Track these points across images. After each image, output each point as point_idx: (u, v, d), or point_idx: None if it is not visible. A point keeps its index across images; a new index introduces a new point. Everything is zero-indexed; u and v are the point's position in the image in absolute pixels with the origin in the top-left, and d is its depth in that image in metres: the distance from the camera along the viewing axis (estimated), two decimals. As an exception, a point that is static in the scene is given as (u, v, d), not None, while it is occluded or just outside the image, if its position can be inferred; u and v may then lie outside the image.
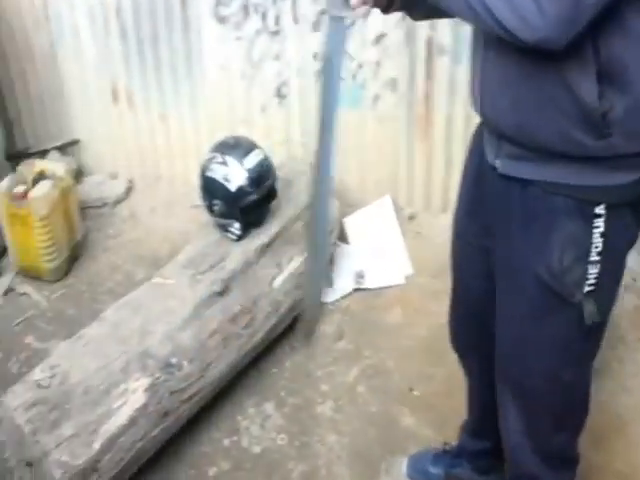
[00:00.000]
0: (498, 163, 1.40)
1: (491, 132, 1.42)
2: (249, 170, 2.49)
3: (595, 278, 1.34)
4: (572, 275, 1.34)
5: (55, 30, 3.37)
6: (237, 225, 2.52)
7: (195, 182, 2.70)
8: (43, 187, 2.95)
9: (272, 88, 3.09)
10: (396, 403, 2.39)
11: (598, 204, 1.30)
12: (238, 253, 2.51)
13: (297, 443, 2.28)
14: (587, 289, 1.36)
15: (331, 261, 2.88)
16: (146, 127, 3.44)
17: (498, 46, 1.27)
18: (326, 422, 2.34)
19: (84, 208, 3.40)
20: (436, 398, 2.38)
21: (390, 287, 2.86)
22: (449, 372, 2.30)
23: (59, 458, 1.87)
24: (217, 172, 2.51)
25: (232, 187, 2.49)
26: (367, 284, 2.86)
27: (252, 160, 2.50)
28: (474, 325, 1.73)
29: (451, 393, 2.29)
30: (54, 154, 3.58)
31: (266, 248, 2.57)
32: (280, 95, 3.09)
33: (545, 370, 1.50)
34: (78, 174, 3.60)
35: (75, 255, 3.18)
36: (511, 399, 1.59)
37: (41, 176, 3.02)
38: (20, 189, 2.92)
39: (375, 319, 2.73)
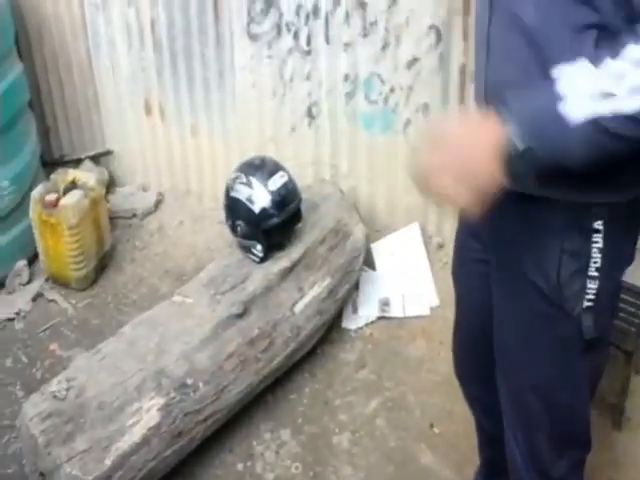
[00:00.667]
0: None
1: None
2: (273, 192, 2.47)
3: (594, 294, 1.34)
4: (571, 289, 1.33)
5: (92, 42, 3.41)
6: (259, 247, 2.51)
7: (222, 200, 2.70)
8: (74, 196, 2.99)
9: (302, 108, 3.08)
10: (416, 439, 2.35)
11: (597, 220, 1.29)
12: (260, 275, 2.49)
13: (311, 473, 2.26)
14: (586, 304, 1.35)
15: (356, 287, 2.85)
16: (177, 141, 3.46)
17: None
18: (342, 454, 2.32)
19: (113, 218, 3.45)
20: (457, 437, 2.34)
21: (415, 317, 2.82)
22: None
23: (70, 472, 1.89)
24: (241, 193, 2.50)
25: (255, 209, 2.48)
26: (392, 312, 2.82)
27: (276, 182, 2.49)
28: (476, 350, 1.72)
29: (472, 433, 2.20)
30: (87, 163, 3.61)
31: (288, 272, 2.54)
32: (310, 115, 3.07)
33: (541, 383, 1.48)
34: (109, 184, 3.65)
35: (102, 265, 3.22)
36: (512, 418, 1.57)
37: (73, 185, 3.07)
38: (52, 197, 2.97)
39: (398, 350, 2.69)
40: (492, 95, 1.30)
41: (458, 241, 1.71)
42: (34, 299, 3.06)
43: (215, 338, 2.27)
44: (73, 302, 3.05)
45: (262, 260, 2.53)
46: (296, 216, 2.59)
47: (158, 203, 3.60)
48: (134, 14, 3.24)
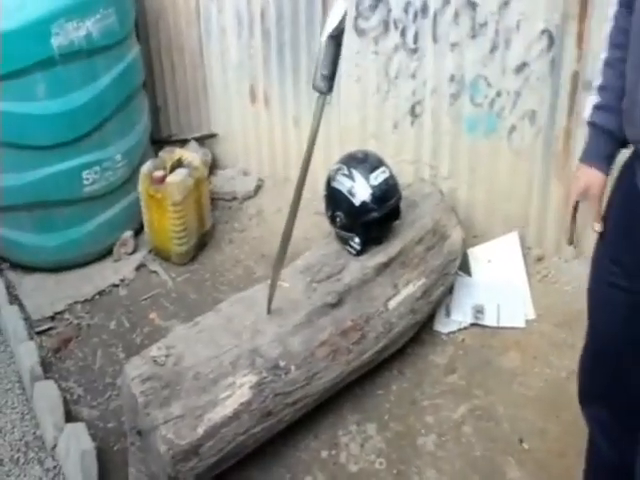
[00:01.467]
0: None
1: None
2: (374, 187, 2.51)
3: None
4: None
5: (204, 29, 3.54)
6: (357, 240, 2.55)
7: (321, 191, 2.76)
8: (179, 174, 3.14)
9: (406, 106, 3.09)
10: (503, 452, 2.30)
11: None
12: (356, 268, 2.53)
13: (395, 471, 2.27)
14: None
15: (450, 291, 2.85)
16: (280, 129, 3.55)
17: None
18: (427, 455, 2.32)
19: (215, 199, 3.59)
20: (547, 455, 2.28)
21: (509, 328, 2.77)
22: (564, 430, 2.25)
23: (165, 434, 1.99)
24: (343, 184, 2.55)
25: (356, 201, 2.52)
26: (485, 321, 2.79)
27: (378, 177, 2.52)
28: (608, 373, 1.70)
29: (564, 452, 2.19)
30: (193, 144, 3.75)
31: (384, 267, 2.57)
32: (413, 114, 3.09)
33: None
34: (213, 166, 3.78)
35: (202, 243, 3.36)
36: None
37: (179, 164, 3.22)
38: (159, 174, 3.13)
39: (490, 359, 2.66)
40: None
41: (597, 261, 1.71)
42: (137, 269, 3.26)
43: (309, 325, 2.33)
44: (173, 275, 3.21)
45: (359, 253, 2.57)
46: (395, 213, 2.62)
47: (258, 188, 3.71)
48: (245, 4, 3.34)
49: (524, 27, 2.67)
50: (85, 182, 3.07)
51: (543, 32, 2.64)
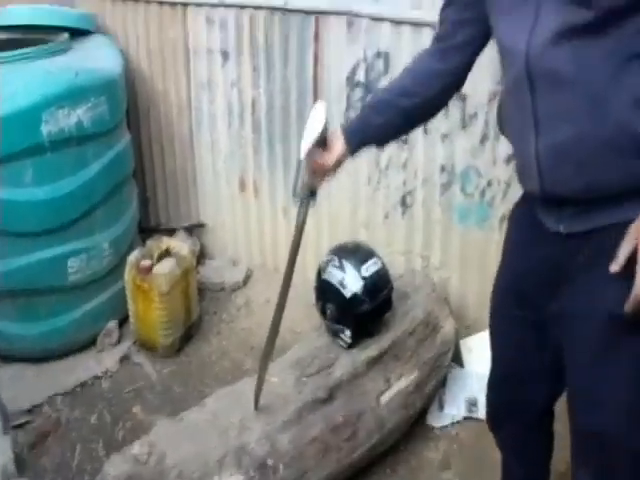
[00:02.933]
0: (562, 227, 1.51)
1: (549, 202, 1.51)
2: (365, 279, 2.47)
3: None
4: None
5: (195, 119, 3.56)
6: (348, 332, 2.49)
7: (311, 280, 2.71)
8: (167, 265, 3.10)
9: (397, 196, 3.09)
10: None
11: None
12: (347, 362, 2.46)
13: None
14: None
15: (443, 383, 2.78)
16: (269, 219, 3.53)
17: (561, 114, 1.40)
18: None
19: (202, 290, 3.54)
20: None
21: None
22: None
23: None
24: (334, 276, 2.50)
25: (347, 294, 2.47)
26: (479, 414, 2.69)
27: (370, 269, 2.48)
28: (511, 392, 1.86)
29: None
30: (181, 234, 3.72)
31: (376, 361, 2.50)
32: (404, 204, 3.08)
33: (624, 415, 1.50)
34: (201, 256, 3.74)
35: (189, 334, 3.28)
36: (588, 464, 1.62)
37: (166, 253, 3.18)
38: (146, 263, 3.07)
39: (485, 454, 2.53)
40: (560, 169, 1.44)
41: (497, 298, 1.84)
42: (121, 360, 3.15)
43: (298, 421, 2.24)
44: (158, 368, 3.11)
45: (350, 346, 2.50)
46: (387, 304, 2.57)
47: (247, 279, 3.67)
48: (236, 94, 3.38)
49: (513, 119, 2.69)
50: (70, 270, 3.01)
51: (532, 124, 2.65)
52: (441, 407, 2.74)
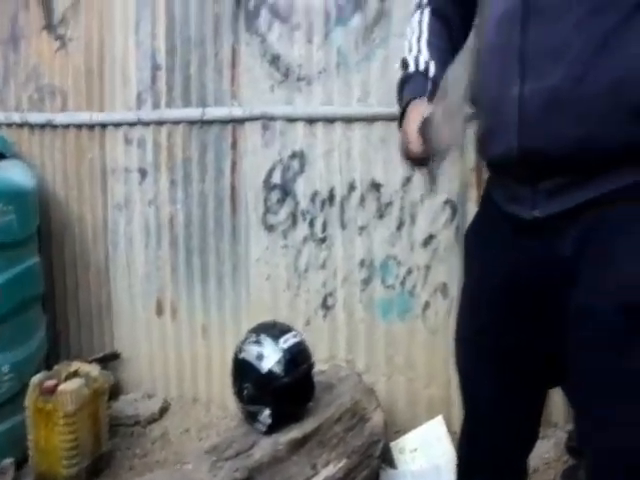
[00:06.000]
0: (538, 211, 1.27)
1: (523, 172, 1.29)
2: (284, 350, 2.34)
3: None
4: None
5: (111, 242, 3.47)
6: (267, 412, 2.29)
7: (232, 406, 2.60)
8: (74, 383, 2.85)
9: (318, 299, 3.00)
10: None
11: None
12: (268, 444, 2.25)
13: None
14: None
15: (376, 483, 2.56)
16: (187, 342, 3.35)
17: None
18: None
19: (115, 425, 3.24)
20: None
21: None
22: None
23: None
24: (250, 353, 2.37)
25: (264, 368, 2.32)
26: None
27: (288, 341, 2.37)
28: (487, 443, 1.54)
29: None
30: (94, 367, 3.48)
31: (300, 446, 2.29)
32: (325, 306, 2.99)
33: None
34: (115, 391, 3.47)
35: (97, 468, 2.95)
36: None
37: (75, 374, 2.94)
38: (51, 382, 2.82)
39: None
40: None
41: (463, 330, 1.57)
42: (14, 502, 2.78)
43: (213, 504, 1.98)
44: (58, 506, 2.75)
45: (270, 429, 2.30)
46: (307, 382, 2.41)
47: (163, 411, 3.40)
48: (153, 212, 3.34)
49: (427, 200, 2.72)
50: (-39, 392, 2.74)
51: (446, 202, 2.68)
52: (375, 510, 2.48)
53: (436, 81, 1.39)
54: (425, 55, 1.49)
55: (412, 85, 1.48)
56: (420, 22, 1.55)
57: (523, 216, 1.31)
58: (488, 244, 1.44)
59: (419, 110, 1.36)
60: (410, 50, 1.53)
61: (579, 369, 1.28)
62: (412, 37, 1.55)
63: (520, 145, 1.26)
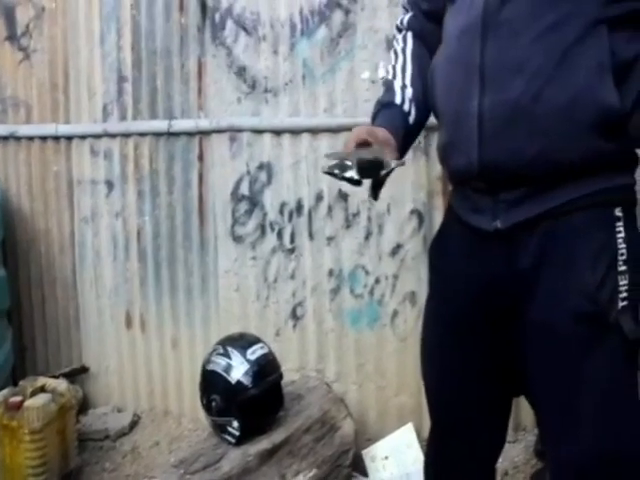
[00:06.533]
0: (500, 222, 1.30)
1: (484, 184, 1.31)
2: (251, 362, 2.35)
3: (626, 290, 1.21)
4: (605, 291, 1.20)
5: (78, 255, 3.43)
6: (236, 424, 2.29)
7: (203, 419, 2.56)
8: (40, 399, 2.80)
9: (287, 309, 3.00)
10: None
11: (616, 206, 1.23)
12: (236, 455, 2.24)
13: None
14: (621, 304, 1.21)
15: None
16: (157, 355, 3.33)
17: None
18: None
19: (84, 440, 3.20)
20: None
21: None
22: None
23: None
24: (218, 365, 2.37)
25: (232, 378, 2.32)
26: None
27: (256, 352, 2.38)
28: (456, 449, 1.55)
29: None
30: (61, 382, 3.44)
31: (269, 456, 2.29)
32: (295, 317, 2.99)
33: (603, 434, 1.24)
34: (83, 406, 3.44)
35: (65, 486, 2.90)
36: None
37: (41, 390, 2.90)
38: (16, 399, 2.77)
39: None
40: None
41: (437, 339, 1.57)
42: (-23, 524, 2.72)
43: (181, 519, 1.97)
44: (24, 527, 2.70)
45: (239, 441, 2.29)
46: (275, 393, 2.41)
47: (133, 424, 3.37)
48: (121, 225, 3.31)
49: (394, 210, 2.73)
50: None
51: (412, 212, 2.71)
52: (346, 515, 2.48)
53: (408, 126, 1.46)
54: (409, 93, 1.51)
55: (389, 116, 1.49)
56: (404, 49, 1.57)
57: (484, 227, 1.33)
58: (450, 257, 1.47)
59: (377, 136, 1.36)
60: (394, 77, 1.55)
61: (537, 382, 1.32)
62: (397, 64, 1.57)
63: (480, 158, 1.28)
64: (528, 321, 1.30)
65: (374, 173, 1.24)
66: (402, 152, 1.43)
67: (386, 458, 2.72)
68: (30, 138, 3.42)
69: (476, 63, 1.29)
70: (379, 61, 2.73)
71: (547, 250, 1.26)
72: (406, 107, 1.49)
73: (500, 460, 2.50)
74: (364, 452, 2.75)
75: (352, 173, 1.22)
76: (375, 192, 1.33)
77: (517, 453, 2.69)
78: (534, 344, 1.30)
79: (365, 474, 2.70)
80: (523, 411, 2.67)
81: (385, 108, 1.50)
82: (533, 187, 1.26)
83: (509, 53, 1.25)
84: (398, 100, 1.50)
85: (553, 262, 1.26)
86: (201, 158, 3.11)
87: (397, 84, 1.52)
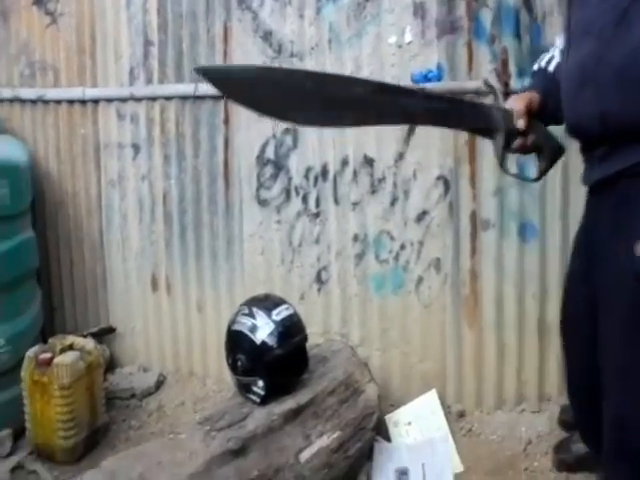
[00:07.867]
0: (595, 174, 1.36)
1: (581, 144, 1.39)
2: (276, 322, 2.36)
3: None
4: None
5: (105, 218, 3.47)
6: (261, 383, 2.32)
7: (228, 380, 2.60)
8: (69, 356, 2.87)
9: (312, 273, 3.03)
10: None
11: None
12: (261, 415, 2.28)
13: None
14: None
15: (369, 457, 2.59)
16: (182, 317, 3.38)
17: None
18: None
19: (111, 399, 3.28)
20: None
21: None
22: None
23: None
24: (244, 325, 2.39)
25: (257, 339, 2.35)
26: (412, 483, 2.51)
27: (281, 313, 2.39)
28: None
29: None
30: (89, 341, 3.50)
31: (294, 417, 2.32)
32: (320, 281, 3.02)
33: None
34: (111, 365, 3.51)
35: (93, 441, 2.97)
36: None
37: (70, 348, 2.96)
38: (46, 355, 2.84)
39: None
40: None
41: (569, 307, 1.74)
42: (12, 471, 2.80)
43: (208, 474, 2.01)
44: (56, 474, 2.77)
45: (264, 400, 2.33)
46: (301, 354, 2.45)
47: (159, 384, 3.43)
48: (147, 188, 3.34)
49: (420, 176, 2.73)
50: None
51: (439, 178, 2.70)
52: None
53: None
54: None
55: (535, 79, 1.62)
56: None
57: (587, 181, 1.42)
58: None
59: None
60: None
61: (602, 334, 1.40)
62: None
63: (567, 118, 1.39)
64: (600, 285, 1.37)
65: None
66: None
67: (409, 424, 2.75)
68: (58, 102, 3.44)
69: (566, 25, 1.39)
70: (405, 25, 2.71)
71: (621, 208, 1.31)
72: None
73: (524, 429, 2.55)
74: (387, 417, 2.78)
75: None
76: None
77: (541, 423, 2.71)
78: (603, 303, 1.38)
79: (388, 439, 2.73)
80: (548, 382, 2.69)
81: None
82: (610, 147, 1.30)
83: (583, 14, 1.32)
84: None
85: (625, 221, 1.30)
86: (227, 122, 3.11)
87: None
